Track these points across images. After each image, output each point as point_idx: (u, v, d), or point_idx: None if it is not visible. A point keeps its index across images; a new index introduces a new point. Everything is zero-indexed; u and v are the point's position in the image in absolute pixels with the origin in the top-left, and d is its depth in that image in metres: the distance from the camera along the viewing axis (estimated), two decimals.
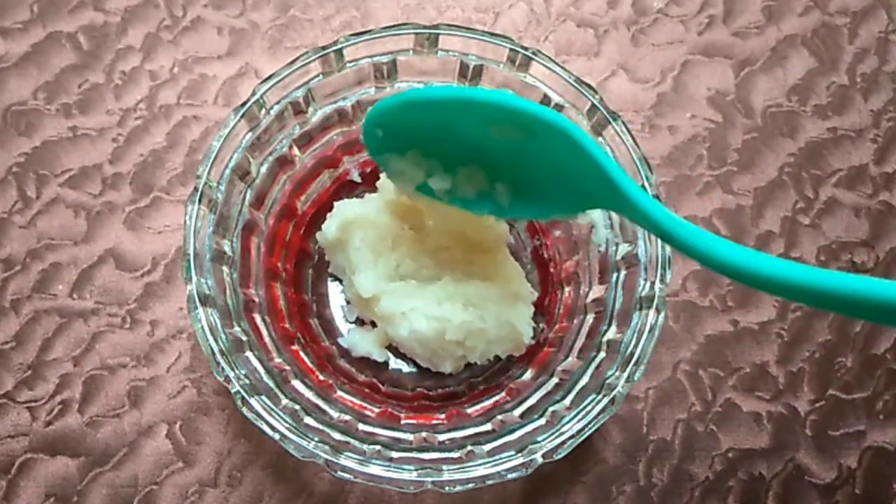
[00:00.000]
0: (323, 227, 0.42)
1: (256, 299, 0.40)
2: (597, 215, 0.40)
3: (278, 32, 0.50)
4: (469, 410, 0.42)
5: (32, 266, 0.47)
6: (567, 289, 0.44)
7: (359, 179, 0.45)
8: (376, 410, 0.41)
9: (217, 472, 0.44)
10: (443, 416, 0.41)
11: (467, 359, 0.42)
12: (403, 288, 0.41)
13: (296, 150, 0.42)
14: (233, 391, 0.35)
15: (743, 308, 0.47)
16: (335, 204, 0.42)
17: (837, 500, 0.45)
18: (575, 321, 0.42)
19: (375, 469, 0.35)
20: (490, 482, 0.35)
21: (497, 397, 0.42)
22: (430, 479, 0.35)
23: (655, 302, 0.36)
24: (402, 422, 0.41)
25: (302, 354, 0.42)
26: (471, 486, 0.35)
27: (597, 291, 0.41)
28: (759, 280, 0.29)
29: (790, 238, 0.48)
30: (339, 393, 0.41)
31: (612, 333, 0.39)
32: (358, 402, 0.41)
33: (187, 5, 0.51)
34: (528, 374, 0.43)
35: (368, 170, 0.45)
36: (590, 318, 0.41)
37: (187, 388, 0.45)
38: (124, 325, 0.46)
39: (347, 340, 0.44)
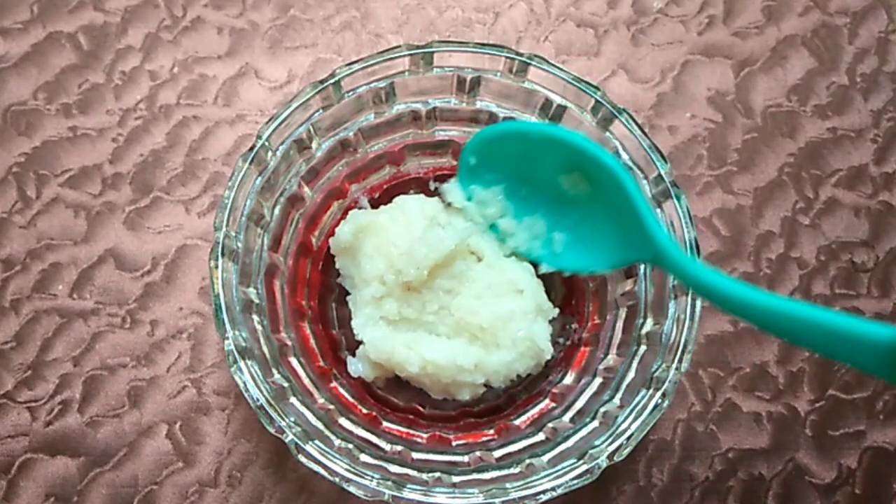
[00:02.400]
0: (336, 230, 0.42)
1: (289, 342, 0.40)
2: None
3: (278, 32, 0.50)
4: (517, 422, 0.41)
5: (32, 266, 0.47)
6: (592, 285, 0.44)
7: (368, 206, 0.44)
8: (425, 436, 0.41)
9: (217, 472, 0.44)
10: (491, 431, 0.41)
11: (487, 385, 0.41)
12: (406, 330, 0.40)
13: (304, 187, 0.42)
14: (287, 440, 0.35)
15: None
16: (350, 212, 0.42)
17: (837, 500, 0.45)
18: (608, 317, 0.42)
19: (440, 498, 0.35)
20: (559, 492, 0.35)
21: (542, 405, 0.42)
22: (497, 500, 0.34)
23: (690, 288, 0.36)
24: (453, 444, 0.40)
25: (341, 391, 0.42)
26: (541, 500, 0.34)
27: (625, 285, 0.41)
28: (791, 329, 0.30)
29: (790, 238, 0.48)
30: (386, 424, 0.41)
31: (649, 326, 0.39)
32: (405, 430, 0.41)
33: (187, 5, 0.51)
34: (569, 377, 0.42)
35: (377, 195, 0.45)
36: (622, 312, 0.41)
37: (187, 388, 0.45)
38: (124, 325, 0.46)
39: (353, 370, 0.42)
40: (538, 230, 0.41)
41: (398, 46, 0.39)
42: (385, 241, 0.40)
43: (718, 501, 0.45)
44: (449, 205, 0.42)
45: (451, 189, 0.42)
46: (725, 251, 0.48)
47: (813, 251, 0.48)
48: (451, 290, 0.40)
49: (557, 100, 0.40)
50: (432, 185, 0.45)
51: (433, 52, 0.39)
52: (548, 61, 0.39)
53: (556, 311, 0.42)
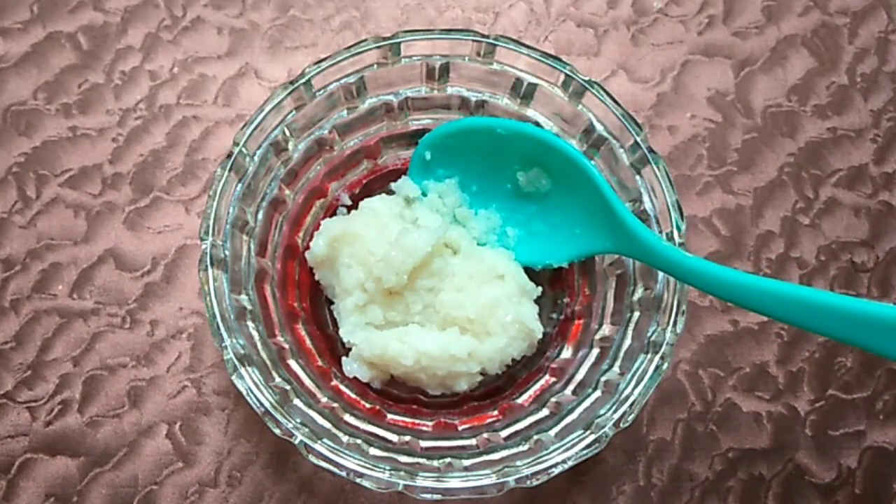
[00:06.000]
0: (311, 245, 0.42)
1: (286, 345, 0.40)
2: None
3: (278, 32, 0.50)
4: (520, 401, 0.42)
5: (32, 266, 0.47)
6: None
7: (349, 202, 0.44)
8: (430, 424, 0.41)
9: (217, 472, 0.44)
10: (495, 412, 0.41)
11: (483, 373, 0.41)
12: (394, 329, 0.41)
13: (285, 189, 0.42)
14: (296, 442, 0.35)
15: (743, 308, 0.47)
16: (322, 222, 0.42)
17: (837, 500, 0.45)
18: (598, 288, 0.42)
19: (454, 482, 0.35)
20: (570, 464, 0.35)
21: (542, 381, 0.42)
22: (511, 479, 0.35)
23: None
24: (459, 428, 0.41)
25: (343, 388, 0.42)
26: (554, 473, 0.35)
27: (612, 255, 0.41)
28: (779, 308, 0.33)
29: (790, 238, 0.48)
30: (390, 416, 0.41)
31: (640, 292, 0.39)
32: (410, 420, 0.41)
33: (187, 5, 0.51)
34: (567, 351, 0.43)
35: (357, 191, 0.45)
36: (612, 282, 0.41)
37: (187, 388, 0.45)
38: (124, 325, 0.46)
39: (348, 370, 0.42)
40: (493, 223, 0.43)
41: (365, 40, 0.39)
42: (361, 249, 0.40)
43: (718, 501, 0.45)
44: (409, 199, 0.43)
45: (405, 185, 0.43)
46: (725, 251, 0.48)
47: (813, 251, 0.48)
48: (433, 288, 0.40)
49: (528, 78, 0.40)
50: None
51: (400, 43, 0.39)
52: (514, 40, 0.39)
53: (540, 289, 0.42)
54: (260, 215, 0.40)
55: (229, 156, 0.38)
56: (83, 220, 0.47)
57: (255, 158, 0.39)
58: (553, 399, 0.40)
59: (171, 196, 0.48)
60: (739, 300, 0.34)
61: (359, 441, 0.36)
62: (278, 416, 0.35)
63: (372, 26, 0.51)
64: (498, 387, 0.43)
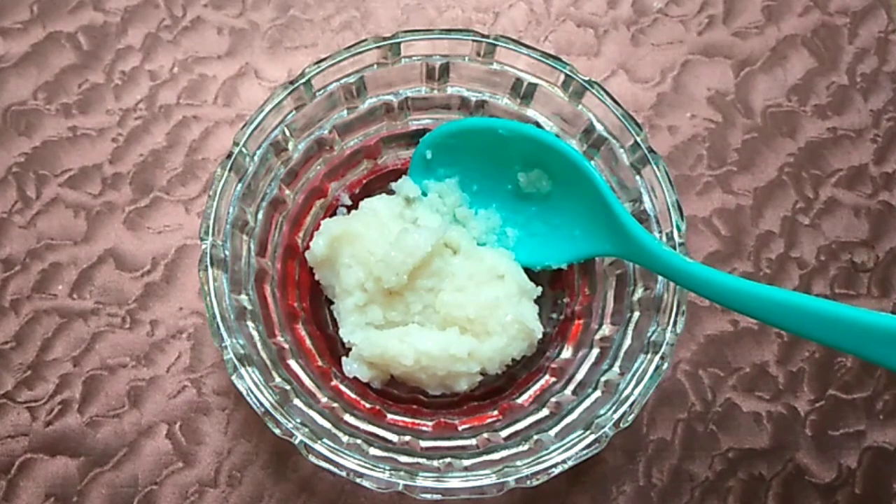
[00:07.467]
0: (311, 244, 0.42)
1: (286, 345, 0.40)
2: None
3: (278, 32, 0.50)
4: (520, 401, 0.42)
5: (32, 266, 0.47)
6: None
7: (349, 202, 0.44)
8: (430, 424, 0.41)
9: (217, 472, 0.44)
10: (495, 412, 0.41)
11: (483, 373, 0.41)
12: (394, 329, 0.41)
13: (285, 189, 0.42)
14: (296, 442, 0.35)
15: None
16: (321, 222, 0.42)
17: (837, 500, 0.45)
18: (598, 288, 0.42)
19: (454, 482, 0.35)
20: (570, 464, 0.35)
21: (542, 381, 0.42)
22: (511, 479, 0.35)
23: None
24: (459, 428, 0.41)
25: (343, 388, 0.42)
26: (554, 473, 0.35)
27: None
28: (779, 317, 0.33)
29: (790, 238, 0.48)
30: (390, 416, 0.41)
31: (640, 292, 0.39)
32: (410, 420, 0.41)
33: (187, 5, 0.51)
34: (567, 351, 0.43)
35: (357, 191, 0.45)
36: (612, 281, 0.41)
37: (187, 388, 0.45)
38: (124, 325, 0.46)
39: (348, 370, 0.42)
40: (493, 224, 0.43)
41: (365, 40, 0.39)
42: (361, 249, 0.40)
43: (718, 501, 0.45)
44: (409, 199, 0.43)
45: (405, 185, 0.43)
46: (725, 251, 0.48)
47: (813, 251, 0.48)
48: (433, 288, 0.40)
49: (527, 78, 0.40)
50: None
51: (400, 43, 0.39)
52: (514, 40, 0.39)
53: (540, 289, 0.42)
54: (260, 215, 0.40)
55: (229, 156, 0.38)
56: (83, 220, 0.47)
57: (255, 158, 0.39)
58: (553, 399, 0.40)
59: (171, 196, 0.48)
60: (738, 306, 0.34)
61: (359, 441, 0.36)
62: (278, 416, 0.35)
63: (372, 26, 0.51)
64: (498, 387, 0.43)
